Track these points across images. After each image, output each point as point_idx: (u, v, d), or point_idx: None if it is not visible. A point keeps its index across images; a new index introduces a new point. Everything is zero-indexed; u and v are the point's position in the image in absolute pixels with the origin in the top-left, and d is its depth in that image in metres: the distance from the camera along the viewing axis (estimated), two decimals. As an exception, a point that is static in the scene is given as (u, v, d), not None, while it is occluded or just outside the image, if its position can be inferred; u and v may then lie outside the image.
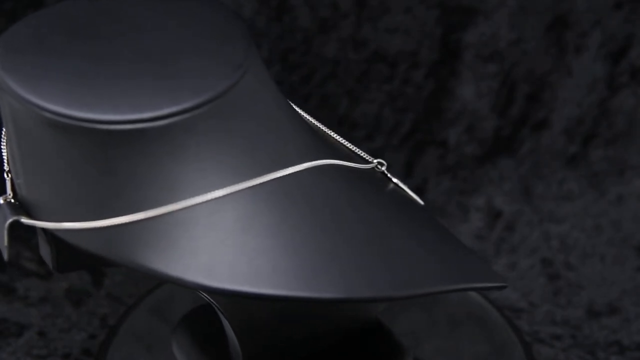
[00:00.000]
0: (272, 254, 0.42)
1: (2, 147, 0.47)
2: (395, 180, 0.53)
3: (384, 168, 0.53)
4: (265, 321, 0.54)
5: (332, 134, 0.53)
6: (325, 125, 0.54)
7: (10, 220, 0.44)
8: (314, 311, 0.54)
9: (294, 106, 0.53)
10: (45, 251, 0.48)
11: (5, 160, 0.46)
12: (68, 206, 0.43)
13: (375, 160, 0.53)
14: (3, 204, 0.45)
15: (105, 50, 0.43)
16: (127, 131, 0.40)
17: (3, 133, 0.46)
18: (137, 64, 0.42)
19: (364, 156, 0.53)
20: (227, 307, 0.52)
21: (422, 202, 0.54)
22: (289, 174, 0.44)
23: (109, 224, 0.42)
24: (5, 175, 0.46)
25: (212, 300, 0.51)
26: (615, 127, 0.91)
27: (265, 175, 0.43)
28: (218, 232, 0.42)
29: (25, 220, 0.44)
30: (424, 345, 0.70)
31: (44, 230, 0.45)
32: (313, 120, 0.53)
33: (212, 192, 0.42)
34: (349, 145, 0.53)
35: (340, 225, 0.45)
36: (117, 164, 0.41)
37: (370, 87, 0.90)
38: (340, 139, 0.53)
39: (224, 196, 0.42)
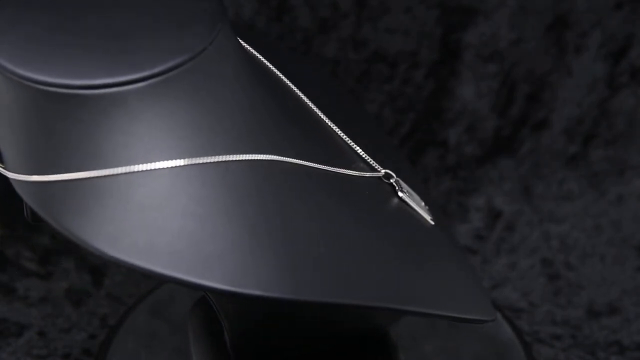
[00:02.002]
0: (175, 236, 0.43)
1: None
2: (401, 194, 0.52)
3: (392, 180, 0.52)
4: (254, 315, 0.55)
5: (344, 137, 0.53)
6: (342, 128, 0.54)
7: None
8: (307, 313, 0.54)
9: (307, 101, 0.53)
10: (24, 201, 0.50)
11: None
12: (16, 157, 0.45)
13: (383, 171, 0.52)
14: None
15: (74, 23, 0.45)
16: (59, 94, 0.43)
17: None
18: (96, 37, 0.45)
19: (373, 164, 0.53)
20: (215, 296, 0.53)
21: (431, 222, 0.53)
22: (216, 162, 0.44)
23: (37, 180, 0.44)
24: None
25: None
26: (615, 127, 0.91)
27: (190, 159, 0.44)
28: (130, 205, 0.43)
29: None
30: (424, 345, 0.70)
31: None
32: (327, 121, 0.53)
33: (133, 166, 0.43)
34: (359, 150, 0.53)
35: (260, 221, 0.44)
36: (51, 124, 0.44)
37: (370, 87, 0.90)
38: (353, 144, 0.53)
39: (143, 171, 0.43)
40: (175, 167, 0.44)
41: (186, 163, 0.44)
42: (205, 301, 0.59)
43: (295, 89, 0.54)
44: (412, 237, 0.51)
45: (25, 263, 0.83)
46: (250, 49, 0.54)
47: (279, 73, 0.54)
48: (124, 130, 0.43)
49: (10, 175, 0.45)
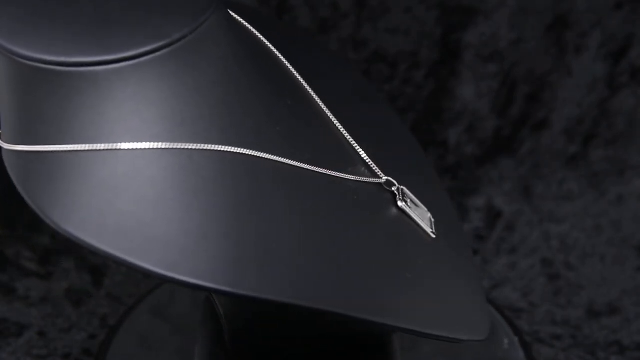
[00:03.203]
0: (124, 217, 0.44)
1: None
2: (401, 204, 0.51)
3: (394, 188, 0.51)
4: (248, 314, 0.55)
5: (349, 138, 0.52)
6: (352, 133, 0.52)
7: None
8: (302, 314, 0.54)
9: (315, 97, 0.52)
10: None
11: None
12: (5, 126, 0.48)
13: (384, 177, 0.51)
14: None
15: (66, 6, 0.47)
16: (37, 68, 0.45)
17: None
18: (83, 20, 0.46)
19: (376, 170, 0.51)
20: (217, 294, 0.53)
21: (432, 235, 0.51)
22: (179, 149, 0.45)
23: (15, 149, 0.46)
24: None
25: None
26: (615, 127, 0.91)
27: (152, 143, 0.45)
28: (89, 182, 0.44)
29: None
30: (423, 345, 0.70)
31: None
32: (333, 119, 0.52)
33: (95, 145, 0.45)
34: (362, 154, 0.52)
35: (215, 212, 0.45)
36: (29, 96, 0.46)
37: (370, 87, 0.90)
38: (357, 146, 0.52)
39: (105, 150, 0.45)
40: (136, 149, 0.44)
41: (147, 147, 0.45)
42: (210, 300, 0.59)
43: (304, 83, 0.53)
44: (401, 249, 0.50)
45: (25, 263, 0.83)
46: (262, 37, 0.54)
47: (288, 64, 0.54)
48: (93, 108, 0.45)
49: (1, 143, 0.47)
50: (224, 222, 0.44)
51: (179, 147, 0.45)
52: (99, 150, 0.44)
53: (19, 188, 0.46)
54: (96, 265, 0.83)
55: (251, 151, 0.46)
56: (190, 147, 0.45)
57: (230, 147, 0.46)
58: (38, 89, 0.45)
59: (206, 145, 0.45)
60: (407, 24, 0.89)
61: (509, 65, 0.90)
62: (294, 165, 0.48)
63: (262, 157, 0.47)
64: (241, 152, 0.46)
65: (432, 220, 0.52)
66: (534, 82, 0.91)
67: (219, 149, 0.46)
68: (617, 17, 0.89)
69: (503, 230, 0.87)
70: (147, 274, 0.43)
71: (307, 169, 0.48)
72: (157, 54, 0.45)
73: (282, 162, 0.47)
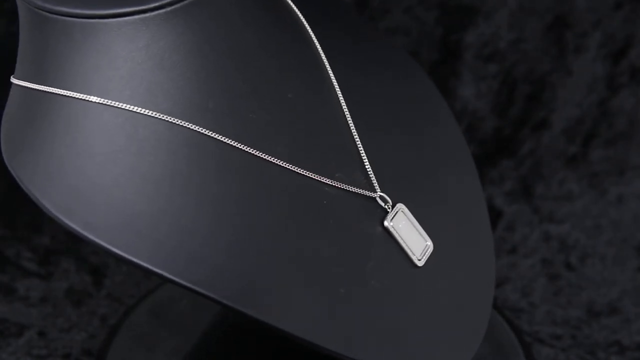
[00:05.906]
0: (51, 160, 0.45)
1: None
2: (387, 223, 0.48)
3: (386, 205, 0.48)
4: None
5: (359, 145, 0.49)
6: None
7: None
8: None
9: (336, 86, 0.50)
10: None
11: None
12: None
13: (379, 192, 0.48)
14: None
15: None
16: (30, 10, 0.47)
17: None
18: None
19: (374, 184, 0.48)
20: None
21: (419, 264, 0.48)
22: (122, 109, 0.46)
23: (13, 82, 0.49)
24: None
25: None
26: (615, 127, 0.91)
27: (101, 99, 0.46)
28: (34, 119, 0.47)
29: None
30: None
31: None
32: (351, 124, 0.49)
33: (45, 87, 0.47)
34: (368, 166, 0.48)
35: (147, 180, 0.45)
36: (23, 34, 0.49)
37: (370, 87, 0.90)
38: (362, 150, 0.49)
39: (50, 93, 0.47)
40: (79, 99, 0.46)
41: (90, 99, 0.46)
42: None
43: (332, 75, 0.51)
44: (355, 265, 0.47)
45: (25, 263, 0.83)
46: (300, 14, 0.51)
47: (321, 50, 0.51)
48: (62, 56, 0.47)
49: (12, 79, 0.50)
50: (138, 188, 0.45)
51: (122, 107, 0.46)
52: (45, 91, 0.47)
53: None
54: (96, 265, 0.83)
55: (201, 129, 0.46)
56: (133, 110, 0.46)
57: (177, 120, 0.46)
58: (30, 29, 0.48)
59: (151, 112, 0.46)
60: (407, 24, 0.89)
61: (509, 65, 0.90)
62: (252, 154, 0.46)
63: (212, 137, 0.46)
64: (188, 126, 0.46)
65: (429, 248, 0.49)
66: (534, 82, 0.91)
67: (164, 118, 0.46)
68: (617, 17, 0.89)
69: (503, 230, 0.87)
70: (50, 215, 0.45)
71: (269, 161, 0.46)
72: (128, 18, 0.46)
73: (237, 148, 0.46)
